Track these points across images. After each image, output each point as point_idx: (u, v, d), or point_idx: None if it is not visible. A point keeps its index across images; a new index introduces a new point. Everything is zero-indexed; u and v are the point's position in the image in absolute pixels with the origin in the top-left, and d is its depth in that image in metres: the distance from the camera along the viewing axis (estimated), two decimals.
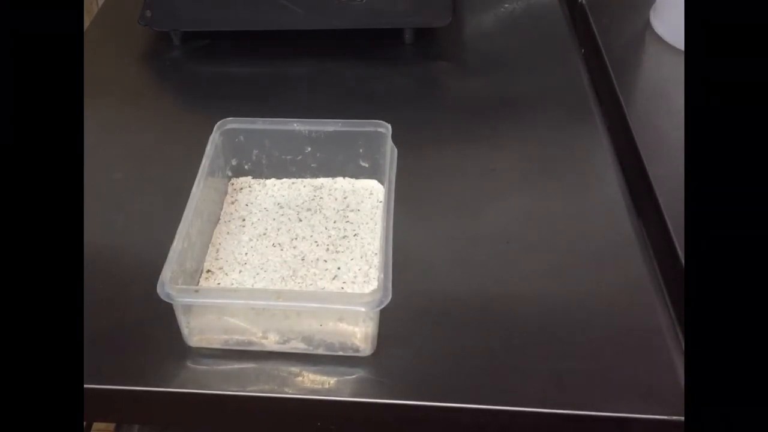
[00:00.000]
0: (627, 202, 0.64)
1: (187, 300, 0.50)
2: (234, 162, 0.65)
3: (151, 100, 0.81)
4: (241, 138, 0.63)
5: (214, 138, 0.62)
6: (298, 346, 0.52)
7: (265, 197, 0.64)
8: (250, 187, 0.65)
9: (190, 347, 0.53)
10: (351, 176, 0.65)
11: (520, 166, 0.68)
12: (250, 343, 0.53)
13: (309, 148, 0.64)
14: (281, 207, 0.63)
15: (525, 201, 0.64)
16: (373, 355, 0.52)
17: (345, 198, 0.64)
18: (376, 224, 0.61)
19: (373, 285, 0.56)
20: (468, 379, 0.51)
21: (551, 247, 0.60)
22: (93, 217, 0.62)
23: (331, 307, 0.50)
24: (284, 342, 0.52)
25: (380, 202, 0.63)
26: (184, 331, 0.52)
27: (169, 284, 0.49)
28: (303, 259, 0.58)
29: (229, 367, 0.52)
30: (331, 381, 0.51)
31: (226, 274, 0.57)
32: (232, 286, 0.56)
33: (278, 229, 0.61)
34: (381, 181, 0.64)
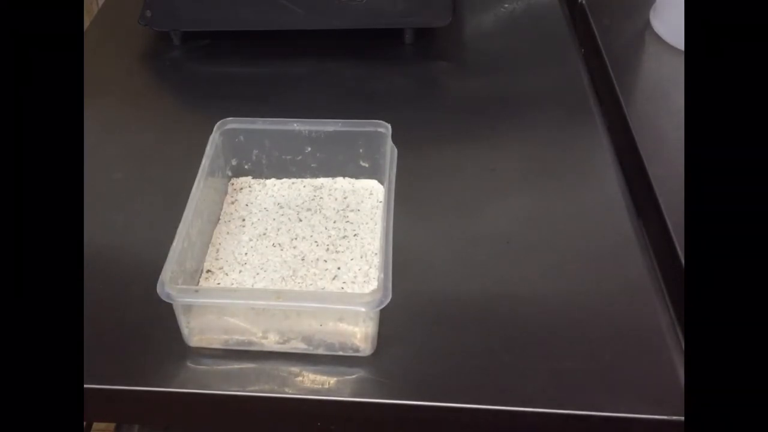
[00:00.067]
0: (627, 202, 0.64)
1: (187, 300, 0.50)
2: (234, 162, 0.65)
3: (151, 100, 0.81)
4: (241, 138, 0.63)
5: (214, 138, 0.62)
6: (298, 346, 0.52)
7: (265, 197, 0.64)
8: (250, 187, 0.65)
9: (190, 347, 0.53)
10: (351, 176, 0.65)
11: (520, 166, 0.68)
12: (250, 343, 0.53)
13: (309, 148, 0.64)
14: (281, 207, 0.63)
15: (525, 201, 0.64)
16: (373, 355, 0.52)
17: (345, 198, 0.64)
18: (376, 224, 0.61)
19: (373, 285, 0.56)
20: (468, 379, 0.51)
21: (551, 247, 0.60)
22: (93, 217, 0.62)
23: (331, 307, 0.50)
24: (284, 342, 0.52)
25: (380, 202, 0.63)
26: (184, 331, 0.52)
27: (169, 284, 0.49)
28: (303, 259, 0.58)
29: (229, 367, 0.52)
30: (331, 381, 0.51)
31: (226, 274, 0.57)
32: (232, 286, 0.56)
33: (278, 229, 0.61)
34: (381, 181, 0.64)
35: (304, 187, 0.65)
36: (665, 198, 0.59)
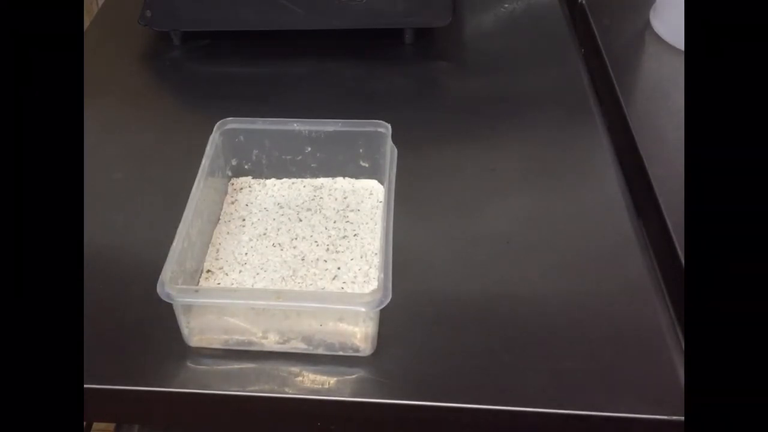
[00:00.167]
0: (627, 202, 0.64)
1: (187, 300, 0.50)
2: (234, 162, 0.65)
3: (151, 100, 0.81)
4: (241, 138, 0.63)
5: (214, 138, 0.62)
6: (298, 346, 0.52)
7: (265, 197, 0.64)
8: (250, 187, 0.65)
9: (190, 347, 0.53)
10: (351, 176, 0.65)
11: (520, 166, 0.68)
12: (250, 343, 0.53)
13: (309, 148, 0.64)
14: (281, 207, 0.63)
15: (525, 201, 0.64)
16: (373, 355, 0.52)
17: (345, 198, 0.64)
18: (376, 224, 0.61)
19: (373, 285, 0.56)
20: (468, 379, 0.51)
21: (551, 247, 0.60)
22: (93, 217, 0.62)
23: (331, 307, 0.50)
24: (284, 342, 0.52)
25: (380, 202, 0.63)
26: (184, 331, 0.52)
27: (169, 284, 0.49)
28: (303, 259, 0.58)
29: (229, 367, 0.52)
30: (331, 381, 0.51)
31: (226, 274, 0.57)
32: (232, 286, 0.56)
33: (278, 229, 0.61)
34: (381, 181, 0.64)
35: (304, 187, 0.65)
36: (665, 198, 0.59)
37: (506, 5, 0.93)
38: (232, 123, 0.63)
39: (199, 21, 0.84)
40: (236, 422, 0.53)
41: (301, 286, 0.56)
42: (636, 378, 0.50)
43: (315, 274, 0.57)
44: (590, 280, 0.57)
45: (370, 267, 0.57)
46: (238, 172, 0.66)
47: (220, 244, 0.60)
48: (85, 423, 0.92)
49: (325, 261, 0.58)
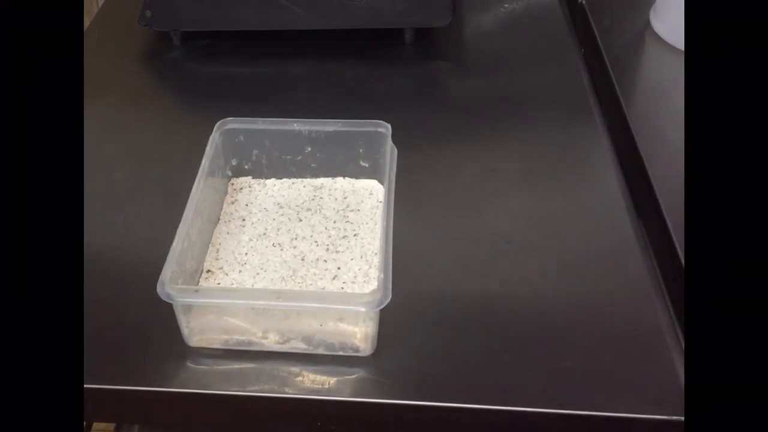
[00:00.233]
0: (627, 202, 0.64)
1: (187, 300, 0.50)
2: (234, 162, 0.65)
3: (151, 100, 0.81)
4: (241, 138, 0.63)
5: (214, 138, 0.62)
6: (298, 346, 0.52)
7: (265, 197, 0.64)
8: (250, 187, 0.65)
9: (190, 347, 0.53)
10: (351, 176, 0.65)
11: (520, 166, 0.68)
12: (250, 343, 0.53)
13: (309, 148, 0.64)
14: (281, 207, 0.63)
15: (525, 201, 0.64)
16: (373, 355, 0.52)
17: (345, 198, 0.64)
18: (376, 224, 0.61)
19: (373, 285, 0.56)
20: (468, 379, 0.51)
21: (551, 247, 0.60)
22: (93, 217, 0.62)
23: (331, 307, 0.50)
24: (284, 342, 0.52)
25: (380, 202, 0.63)
26: (184, 331, 0.52)
27: (169, 284, 0.49)
28: (303, 259, 0.58)
29: (229, 367, 0.52)
30: (331, 381, 0.51)
31: (226, 274, 0.57)
32: (232, 286, 0.56)
33: (278, 229, 0.61)
34: (381, 181, 0.64)
35: (304, 187, 0.65)
36: (665, 198, 0.59)
37: (506, 5, 0.93)
38: (232, 123, 0.63)
39: (199, 21, 0.84)
40: (236, 422, 0.53)
41: (301, 286, 0.56)
42: (636, 378, 0.50)
43: (315, 274, 0.57)
44: (590, 280, 0.57)
45: (370, 267, 0.57)
46: (238, 172, 0.66)
47: (220, 244, 0.60)
48: (85, 423, 0.92)
49: (325, 261, 0.58)
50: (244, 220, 0.62)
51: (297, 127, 0.63)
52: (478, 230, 0.62)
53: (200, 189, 0.57)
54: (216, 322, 0.52)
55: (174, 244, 0.52)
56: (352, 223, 0.61)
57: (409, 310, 0.55)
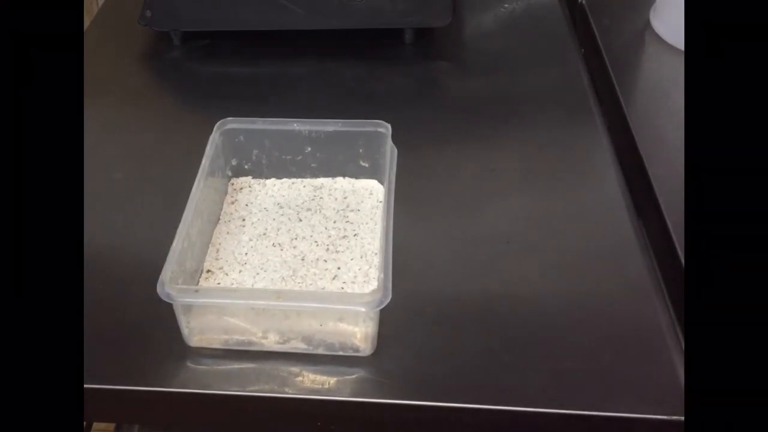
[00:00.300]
0: (627, 202, 0.64)
1: (187, 300, 0.50)
2: (234, 162, 0.65)
3: (151, 100, 0.81)
4: (241, 138, 0.63)
5: (214, 138, 0.62)
6: (298, 346, 0.52)
7: (265, 197, 0.64)
8: (250, 187, 0.65)
9: (190, 347, 0.53)
10: (351, 176, 0.65)
11: (520, 166, 0.68)
12: (250, 343, 0.53)
13: (309, 148, 0.64)
14: (281, 207, 0.63)
15: (525, 201, 0.64)
16: (373, 355, 0.52)
17: (345, 198, 0.64)
18: (376, 224, 0.61)
19: (373, 285, 0.56)
20: (468, 379, 0.51)
21: (551, 247, 0.60)
22: (93, 217, 0.62)
23: (331, 307, 0.50)
24: (284, 342, 0.52)
25: (380, 202, 0.63)
26: (184, 331, 0.52)
27: (169, 284, 0.49)
28: (303, 259, 0.58)
29: (229, 367, 0.52)
30: (331, 381, 0.51)
31: (226, 274, 0.57)
32: (232, 286, 0.56)
33: (278, 229, 0.61)
34: (381, 181, 0.64)
35: (304, 187, 0.65)
36: (665, 198, 0.59)
37: (506, 5, 0.93)
38: (232, 123, 0.63)
39: (199, 21, 0.84)
40: (236, 422, 0.53)
41: (301, 286, 0.56)
42: (636, 378, 0.50)
43: (315, 274, 0.57)
44: (590, 280, 0.57)
45: (370, 267, 0.57)
46: (238, 172, 0.66)
47: (220, 244, 0.60)
48: (85, 423, 0.92)
49: (325, 261, 0.58)
50: (244, 220, 0.62)
51: (297, 127, 0.63)
52: (478, 230, 0.62)
53: (200, 189, 0.57)
54: (216, 322, 0.52)
55: (174, 244, 0.52)
56: (352, 223, 0.61)
57: (409, 310, 0.55)
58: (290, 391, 0.51)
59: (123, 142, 0.72)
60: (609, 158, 0.68)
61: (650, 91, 0.76)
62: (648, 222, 0.62)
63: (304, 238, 0.60)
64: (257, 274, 0.57)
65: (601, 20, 0.84)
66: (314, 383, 0.51)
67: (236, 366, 0.52)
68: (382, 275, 0.49)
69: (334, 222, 0.61)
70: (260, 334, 0.52)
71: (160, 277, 0.49)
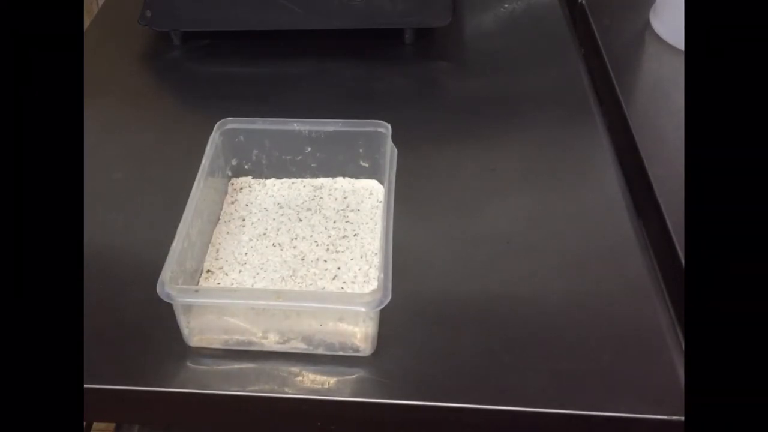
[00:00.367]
0: (627, 202, 0.64)
1: (187, 300, 0.50)
2: (234, 162, 0.65)
3: (151, 100, 0.81)
4: (241, 138, 0.63)
5: (214, 138, 0.62)
6: (298, 346, 0.52)
7: (265, 197, 0.64)
8: (250, 187, 0.65)
9: (190, 347, 0.53)
10: (351, 176, 0.65)
11: (520, 166, 0.68)
12: (250, 343, 0.53)
13: (309, 148, 0.64)
14: (281, 207, 0.63)
15: (525, 201, 0.64)
16: (373, 355, 0.52)
17: (345, 198, 0.64)
18: (376, 224, 0.61)
19: (373, 285, 0.56)
20: (468, 379, 0.51)
21: (551, 247, 0.60)
22: (93, 217, 0.62)
23: (331, 307, 0.50)
24: (284, 342, 0.52)
25: (380, 202, 0.63)
26: (184, 331, 0.52)
27: (169, 284, 0.49)
28: (303, 259, 0.58)
29: (229, 367, 0.52)
30: (331, 381, 0.51)
31: (226, 274, 0.57)
32: (232, 286, 0.56)
33: (278, 229, 0.61)
34: (381, 181, 0.64)
35: (304, 187, 0.65)
36: (665, 198, 0.59)
37: (506, 5, 0.93)
38: (232, 123, 0.63)
39: (199, 21, 0.84)
40: (236, 422, 0.53)
41: (301, 286, 0.56)
42: (636, 378, 0.50)
43: (315, 274, 0.57)
44: (590, 280, 0.57)
45: (370, 267, 0.57)
46: (238, 172, 0.66)
47: (220, 244, 0.60)
48: (85, 423, 0.92)
49: (325, 261, 0.58)
50: (244, 220, 0.62)
51: (297, 127, 0.63)
52: (478, 230, 0.62)
53: (200, 189, 0.57)
54: (216, 322, 0.52)
55: (174, 244, 0.52)
56: (352, 223, 0.61)
57: (409, 310, 0.55)
58: (290, 391, 0.51)
59: (123, 142, 0.72)
60: (609, 158, 0.68)
61: (650, 91, 0.76)
62: (648, 222, 0.62)
63: (304, 238, 0.60)
64: (257, 274, 0.57)
65: (601, 20, 0.84)
66: (314, 383, 0.51)
67: (236, 366, 0.52)
68: (382, 275, 0.49)
69: (334, 222, 0.61)
70: (260, 334, 0.52)
71: (160, 277, 0.49)
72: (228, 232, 0.61)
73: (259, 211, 0.63)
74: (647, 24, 0.83)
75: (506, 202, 0.64)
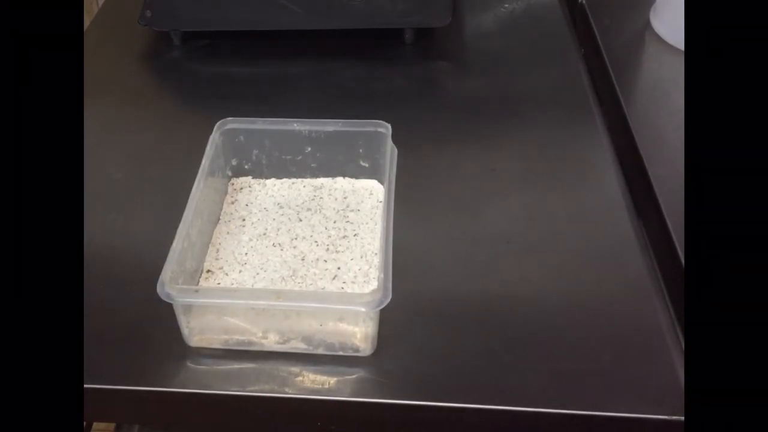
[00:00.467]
0: (627, 202, 0.64)
1: (187, 300, 0.50)
2: (234, 162, 0.65)
3: (151, 100, 0.81)
4: (241, 138, 0.63)
5: (214, 138, 0.62)
6: (298, 346, 0.52)
7: (265, 197, 0.64)
8: (250, 187, 0.65)
9: (190, 347, 0.53)
10: (351, 176, 0.65)
11: (520, 166, 0.68)
12: (250, 343, 0.53)
13: (309, 148, 0.64)
14: (281, 207, 0.63)
15: (525, 201, 0.64)
16: (373, 355, 0.52)
17: (345, 198, 0.64)
18: (376, 224, 0.61)
19: (373, 285, 0.56)
20: (468, 379, 0.51)
21: (551, 247, 0.60)
22: (93, 217, 0.62)
23: (331, 307, 0.50)
24: (284, 342, 0.52)
25: (380, 202, 0.63)
26: (184, 331, 0.52)
27: (169, 284, 0.49)
28: (303, 259, 0.58)
29: (229, 367, 0.52)
30: (331, 381, 0.51)
31: (226, 274, 0.57)
32: (232, 286, 0.56)
33: (278, 229, 0.61)
34: (381, 181, 0.64)
35: (304, 187, 0.65)
36: (665, 198, 0.59)
37: (506, 5, 0.93)
38: (232, 123, 0.63)
39: (199, 21, 0.84)
40: (236, 422, 0.53)
41: (301, 286, 0.56)
42: (636, 378, 0.50)
43: (315, 274, 0.57)
44: (590, 280, 0.57)
45: (370, 267, 0.57)
46: (238, 172, 0.66)
47: (220, 244, 0.60)
48: (85, 423, 0.92)
49: (325, 261, 0.58)
50: (244, 220, 0.62)
51: (297, 127, 0.63)
52: (478, 230, 0.62)
53: (200, 189, 0.57)
54: (216, 322, 0.52)
55: (174, 244, 0.52)
56: (352, 223, 0.61)
57: (409, 310, 0.55)
58: (290, 391, 0.51)
59: (123, 142, 0.72)
60: (609, 158, 0.68)
61: (650, 91, 0.76)
62: (648, 222, 0.62)
63: (304, 238, 0.60)
64: (257, 274, 0.57)
65: (601, 20, 0.84)
66: (314, 383, 0.51)
67: (236, 366, 0.52)
68: (382, 275, 0.49)
69: (334, 222, 0.61)
70: (260, 334, 0.52)
71: (160, 277, 0.49)
72: (228, 232, 0.61)
73: (259, 211, 0.63)
74: (647, 24, 0.83)
75: (506, 202, 0.64)
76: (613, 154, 0.69)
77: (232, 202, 0.64)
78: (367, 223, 0.61)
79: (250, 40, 0.86)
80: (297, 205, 0.63)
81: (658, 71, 0.79)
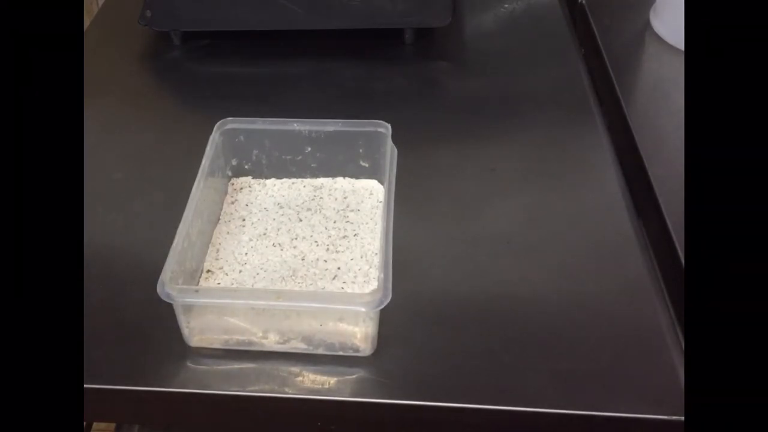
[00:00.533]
0: (627, 202, 0.64)
1: (187, 300, 0.50)
2: (234, 162, 0.65)
3: (151, 100, 0.81)
4: (241, 138, 0.63)
5: (214, 138, 0.62)
6: (298, 346, 0.52)
7: (265, 197, 0.64)
8: (250, 187, 0.65)
9: (190, 347, 0.53)
10: (351, 176, 0.65)
11: (520, 166, 0.68)
12: (250, 343, 0.53)
13: (309, 148, 0.64)
14: (281, 207, 0.63)
15: (525, 201, 0.64)
16: (373, 355, 0.52)
17: (345, 198, 0.64)
18: (376, 224, 0.61)
19: (373, 285, 0.56)
20: (468, 379, 0.51)
21: (551, 247, 0.60)
22: (93, 217, 0.62)
23: (331, 307, 0.50)
24: (284, 342, 0.52)
25: (380, 202, 0.63)
26: (184, 331, 0.52)
27: (169, 284, 0.49)
28: (303, 259, 0.58)
29: (229, 367, 0.52)
30: (331, 381, 0.51)
31: (226, 274, 0.57)
32: (232, 286, 0.56)
33: (278, 229, 0.61)
34: (381, 181, 0.64)
35: (304, 187, 0.65)
36: (665, 198, 0.59)
37: (506, 5, 0.93)
38: (232, 123, 0.63)
39: (199, 21, 0.84)
40: (236, 422, 0.53)
41: (301, 286, 0.56)
42: (636, 378, 0.50)
43: (315, 274, 0.57)
44: (590, 280, 0.57)
45: (370, 267, 0.57)
46: (238, 172, 0.66)
47: (220, 244, 0.60)
48: (85, 423, 0.92)
49: (325, 261, 0.58)
50: (244, 220, 0.62)
51: (297, 127, 0.63)
52: (478, 230, 0.62)
53: (200, 189, 0.57)
54: (216, 322, 0.52)
55: (174, 244, 0.52)
56: (352, 223, 0.61)
57: (409, 310, 0.55)
58: (290, 391, 0.51)
59: (123, 142, 0.72)
60: (609, 158, 0.68)
61: (650, 91, 0.76)
62: (648, 222, 0.62)
63: (304, 238, 0.60)
64: (257, 274, 0.57)
65: (601, 20, 0.84)
66: (314, 383, 0.51)
67: (236, 366, 0.52)
68: (382, 275, 0.49)
69: (334, 222, 0.61)
70: (260, 334, 0.52)
71: (160, 277, 0.49)
72: (228, 232, 0.61)
73: (259, 211, 0.63)
74: (647, 24, 0.83)
75: (506, 202, 0.64)
76: (613, 154, 0.69)
77: (232, 202, 0.64)
78: (367, 223, 0.61)
79: (250, 40, 0.86)
80: (297, 205, 0.63)
81: (658, 71, 0.79)
